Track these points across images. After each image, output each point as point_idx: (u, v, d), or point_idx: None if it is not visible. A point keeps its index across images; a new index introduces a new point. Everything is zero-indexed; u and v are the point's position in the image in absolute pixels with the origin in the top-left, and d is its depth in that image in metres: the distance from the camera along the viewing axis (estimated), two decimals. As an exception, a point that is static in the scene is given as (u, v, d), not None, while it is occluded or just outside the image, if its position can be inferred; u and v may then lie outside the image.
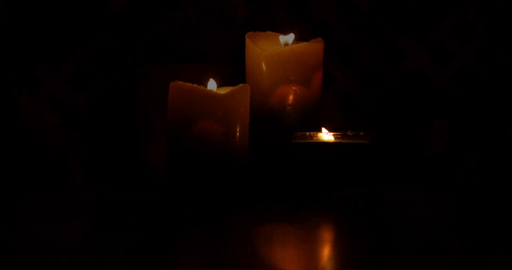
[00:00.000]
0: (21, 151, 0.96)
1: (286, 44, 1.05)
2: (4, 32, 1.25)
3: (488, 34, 1.34)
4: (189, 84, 0.92)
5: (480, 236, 0.72)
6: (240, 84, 0.95)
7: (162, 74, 1.15)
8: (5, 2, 1.25)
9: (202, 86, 0.93)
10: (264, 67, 1.03)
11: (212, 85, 0.96)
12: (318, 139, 0.98)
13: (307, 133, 0.98)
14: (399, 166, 1.27)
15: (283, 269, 0.58)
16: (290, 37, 1.06)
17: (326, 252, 0.65)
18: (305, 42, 1.04)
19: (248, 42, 1.05)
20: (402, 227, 0.77)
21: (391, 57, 1.34)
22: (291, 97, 1.03)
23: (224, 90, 0.94)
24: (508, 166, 1.08)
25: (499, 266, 0.58)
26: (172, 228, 0.76)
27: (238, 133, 0.93)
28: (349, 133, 0.97)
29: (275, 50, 1.04)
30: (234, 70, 1.15)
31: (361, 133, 0.98)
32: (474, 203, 0.97)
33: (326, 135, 0.98)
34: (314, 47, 1.04)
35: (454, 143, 1.11)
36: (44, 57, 1.26)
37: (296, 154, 0.99)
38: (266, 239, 0.71)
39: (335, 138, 0.97)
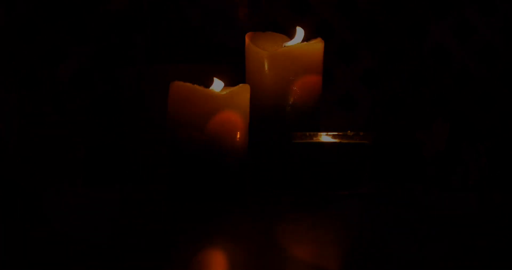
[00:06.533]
0: (20, 151, 0.96)
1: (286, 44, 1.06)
2: (4, 32, 1.25)
3: (489, 33, 1.34)
4: (189, 84, 0.92)
5: (479, 235, 0.72)
6: (240, 84, 0.95)
7: (162, 74, 1.15)
8: (5, 2, 1.25)
9: (202, 86, 0.93)
10: (264, 67, 1.03)
11: (218, 84, 0.95)
12: (318, 139, 0.98)
13: (307, 133, 0.98)
14: (399, 166, 1.27)
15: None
16: (300, 36, 1.05)
17: (326, 252, 0.65)
18: (305, 42, 1.04)
19: (248, 42, 1.05)
20: (402, 227, 0.77)
21: (391, 57, 1.34)
22: (291, 97, 1.03)
23: (224, 90, 0.94)
24: (508, 166, 1.08)
25: (499, 266, 0.58)
26: (172, 229, 0.76)
27: (238, 133, 0.93)
28: (349, 133, 0.97)
29: (275, 50, 1.04)
30: (234, 70, 1.15)
31: (361, 133, 0.97)
32: (474, 202, 0.97)
33: (325, 137, 0.97)
34: (314, 47, 1.04)
35: (454, 143, 1.11)
36: (44, 57, 1.26)
37: (296, 154, 0.99)
38: (265, 239, 0.71)
39: (335, 138, 0.97)
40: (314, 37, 1.05)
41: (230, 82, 0.97)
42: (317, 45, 1.04)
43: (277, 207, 0.92)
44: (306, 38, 1.05)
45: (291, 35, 1.07)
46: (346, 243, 0.69)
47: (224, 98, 0.92)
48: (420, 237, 0.71)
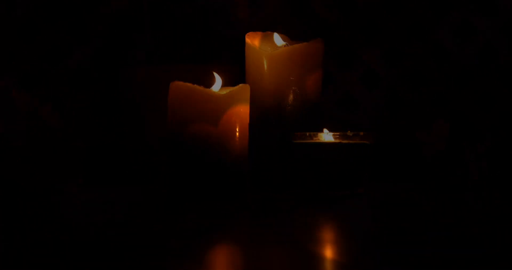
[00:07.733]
0: (20, 151, 0.96)
1: (286, 44, 1.06)
2: (4, 32, 1.25)
3: (489, 33, 1.34)
4: (189, 84, 0.92)
5: (479, 235, 0.72)
6: (240, 84, 0.95)
7: (162, 74, 1.15)
8: (5, 3, 1.25)
9: (202, 86, 0.93)
10: (264, 67, 1.03)
11: (218, 81, 0.95)
12: (318, 139, 0.98)
13: (307, 133, 0.98)
14: (399, 166, 1.27)
15: None
16: (278, 40, 1.06)
17: (326, 252, 0.65)
18: (305, 42, 1.04)
19: (248, 42, 1.05)
20: (402, 227, 0.77)
21: (391, 56, 1.34)
22: (291, 97, 1.03)
23: (224, 90, 0.94)
24: (508, 166, 1.08)
25: (498, 267, 0.58)
26: (171, 229, 0.76)
27: (238, 133, 0.93)
28: (349, 133, 0.97)
29: (275, 50, 1.04)
30: (234, 70, 1.15)
31: (361, 133, 0.98)
32: (473, 202, 0.97)
33: (326, 135, 0.98)
34: (314, 47, 1.04)
35: (454, 143, 1.11)
36: (44, 57, 1.26)
37: (296, 154, 0.99)
38: (265, 239, 0.71)
39: (335, 138, 0.97)
40: (314, 37, 1.05)
41: (230, 82, 0.97)
42: (317, 45, 1.05)
43: (277, 207, 0.92)
44: (306, 38, 1.05)
45: (290, 35, 1.07)
46: (347, 243, 0.69)
47: (224, 98, 0.92)
48: (420, 237, 0.71)
